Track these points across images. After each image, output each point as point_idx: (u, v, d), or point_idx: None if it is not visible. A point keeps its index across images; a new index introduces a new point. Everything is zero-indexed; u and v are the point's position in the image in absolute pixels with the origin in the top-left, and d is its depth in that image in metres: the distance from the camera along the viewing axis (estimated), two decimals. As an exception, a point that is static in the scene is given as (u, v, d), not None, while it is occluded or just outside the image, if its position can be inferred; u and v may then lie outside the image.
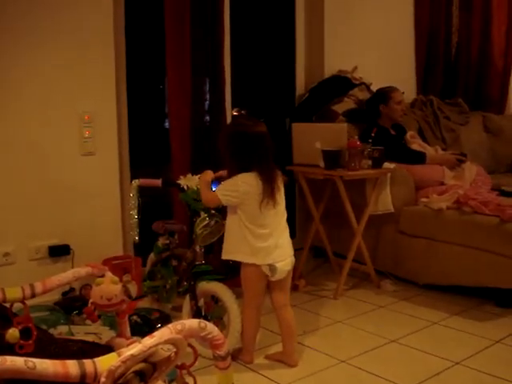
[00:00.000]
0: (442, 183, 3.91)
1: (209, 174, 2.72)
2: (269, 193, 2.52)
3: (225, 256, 2.65)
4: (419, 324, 3.17)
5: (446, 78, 5.54)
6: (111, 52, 3.47)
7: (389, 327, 3.12)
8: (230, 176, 2.58)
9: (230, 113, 4.13)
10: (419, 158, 4.09)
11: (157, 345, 1.09)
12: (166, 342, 1.11)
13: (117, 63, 3.53)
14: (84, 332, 2.65)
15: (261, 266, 2.56)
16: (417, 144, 4.37)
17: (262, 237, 2.55)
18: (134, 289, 1.83)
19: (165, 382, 1.63)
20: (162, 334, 1.10)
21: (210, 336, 1.18)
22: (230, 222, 2.62)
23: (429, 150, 4.30)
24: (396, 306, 3.46)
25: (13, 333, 1.61)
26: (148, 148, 4.09)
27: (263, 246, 2.55)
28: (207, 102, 3.90)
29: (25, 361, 0.99)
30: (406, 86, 4.88)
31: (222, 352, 1.20)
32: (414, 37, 5.25)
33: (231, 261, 2.66)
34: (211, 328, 1.18)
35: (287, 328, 2.69)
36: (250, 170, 2.52)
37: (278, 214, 2.62)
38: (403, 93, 4.28)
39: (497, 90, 5.79)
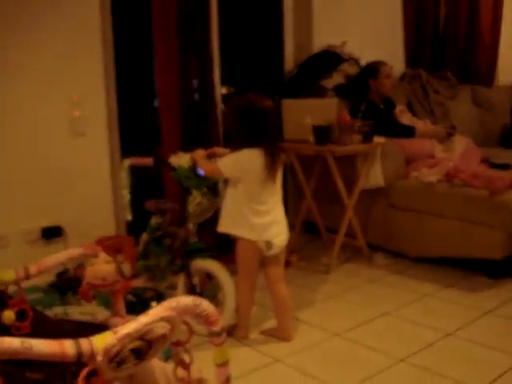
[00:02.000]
0: (432, 157, 3.92)
1: (200, 152, 2.73)
2: (271, 170, 2.53)
3: (221, 229, 2.66)
4: (411, 296, 3.20)
5: (434, 52, 5.54)
6: (98, 31, 3.44)
7: (381, 300, 3.16)
8: (234, 150, 2.58)
9: (219, 90, 4.12)
10: (409, 131, 4.10)
11: (152, 322, 1.10)
12: (161, 319, 1.12)
13: (104, 43, 3.49)
14: (79, 312, 2.66)
15: (257, 241, 2.58)
16: (406, 118, 4.38)
17: (260, 213, 2.56)
18: (127, 268, 1.85)
19: (161, 359, 1.65)
20: (157, 311, 1.11)
21: (204, 313, 1.19)
22: (229, 195, 2.63)
23: (418, 124, 4.31)
24: (388, 279, 3.49)
25: (8, 315, 1.62)
26: (138, 127, 4.07)
27: (261, 222, 2.56)
28: (196, 80, 3.88)
29: (21, 342, 1.00)
30: (395, 59, 4.88)
31: (216, 328, 1.21)
32: (402, 10, 5.22)
33: (226, 235, 2.67)
34: (206, 305, 1.19)
35: (282, 303, 2.71)
36: (255, 146, 2.52)
37: (276, 191, 2.63)
38: (392, 67, 4.28)
39: (485, 62, 5.80)
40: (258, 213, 2.56)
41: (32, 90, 3.24)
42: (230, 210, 2.63)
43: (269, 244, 2.58)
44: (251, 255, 2.63)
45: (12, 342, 0.99)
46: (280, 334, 2.72)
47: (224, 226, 2.65)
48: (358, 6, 4.82)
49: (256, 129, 2.52)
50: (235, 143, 2.59)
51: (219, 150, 2.85)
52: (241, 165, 2.53)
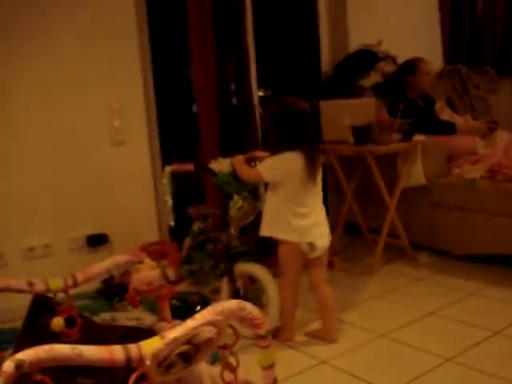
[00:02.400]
0: (474, 153, 3.87)
1: (240, 158, 2.75)
2: (311, 172, 2.53)
3: (264, 233, 2.66)
4: (456, 295, 3.16)
5: (472, 46, 5.45)
6: (135, 40, 3.49)
7: (426, 300, 3.12)
8: (273, 154, 2.59)
9: (257, 94, 4.13)
10: (449, 128, 4.05)
11: (198, 327, 1.11)
12: (207, 323, 1.13)
13: (141, 51, 3.54)
14: (126, 318, 2.70)
15: (300, 243, 2.58)
16: (446, 114, 4.33)
17: (302, 215, 2.56)
18: (172, 273, 1.87)
19: (208, 362, 1.67)
20: (203, 316, 1.13)
21: (249, 316, 1.20)
22: (270, 199, 2.64)
23: (459, 120, 4.25)
24: (433, 279, 3.45)
25: (58, 322, 1.66)
26: (178, 133, 4.11)
27: (303, 225, 2.56)
28: (233, 85, 3.90)
29: (72, 348, 1.02)
30: (433, 56, 4.82)
31: (262, 331, 1.22)
32: (439, 6, 5.16)
33: (268, 239, 2.68)
34: (250, 308, 1.20)
35: (325, 305, 2.71)
36: (294, 149, 2.53)
37: (317, 193, 2.63)
38: (430, 63, 4.23)
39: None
40: (300, 215, 2.56)
41: (73, 101, 3.30)
42: (271, 214, 2.64)
43: (312, 245, 2.58)
44: (294, 257, 2.63)
45: (63, 349, 1.01)
46: (325, 336, 2.71)
47: (266, 230, 2.66)
48: (393, 4, 4.78)
49: (294, 132, 2.52)
50: (274, 147, 2.60)
51: (259, 153, 2.86)
52: (281, 168, 2.53)
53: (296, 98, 2.60)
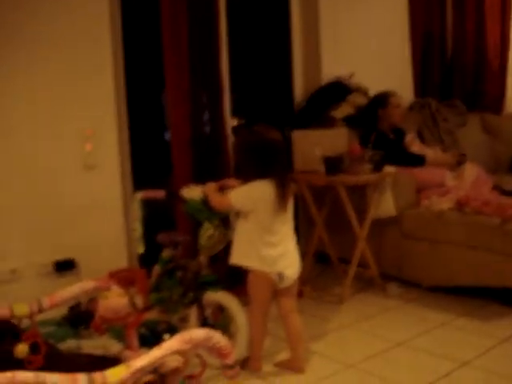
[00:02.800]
0: (443, 185, 3.92)
1: (212, 185, 2.75)
2: (282, 200, 2.54)
3: (233, 260, 2.66)
4: (426, 326, 3.17)
5: (443, 80, 5.58)
6: (110, 66, 3.49)
7: (396, 330, 3.13)
8: (245, 182, 2.60)
9: (230, 122, 4.15)
10: (419, 160, 4.10)
11: (165, 356, 1.10)
12: (175, 352, 1.12)
13: (116, 76, 3.54)
14: (92, 346, 2.66)
15: (269, 273, 2.57)
16: (416, 146, 4.39)
17: (272, 244, 2.56)
18: (140, 301, 1.85)
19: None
20: (170, 344, 1.12)
21: (217, 346, 1.19)
22: (240, 227, 2.64)
23: (428, 152, 4.31)
24: (402, 309, 3.46)
25: (22, 348, 1.63)
26: (150, 160, 4.10)
27: (272, 254, 2.56)
28: (206, 113, 3.92)
29: (35, 375, 1.00)
30: (404, 89, 4.91)
31: (230, 361, 1.21)
32: (410, 39, 5.27)
33: (236, 268, 2.67)
34: (219, 338, 1.19)
35: (295, 334, 2.70)
36: (265, 177, 2.54)
37: (287, 222, 2.64)
38: (401, 97, 4.29)
39: (494, 89, 5.80)
40: (270, 244, 2.56)
41: (43, 125, 3.28)
42: (241, 242, 2.63)
43: (281, 275, 2.58)
44: (263, 287, 2.62)
45: (26, 376, 0.99)
46: (293, 366, 2.70)
47: (236, 258, 2.65)
48: (366, 39, 4.87)
49: (265, 161, 2.54)
50: (245, 176, 2.61)
51: (231, 182, 2.87)
52: (252, 196, 2.54)
53: (266, 127, 2.62)
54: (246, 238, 2.60)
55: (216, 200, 2.69)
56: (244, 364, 2.68)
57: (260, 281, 2.60)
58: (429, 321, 3.24)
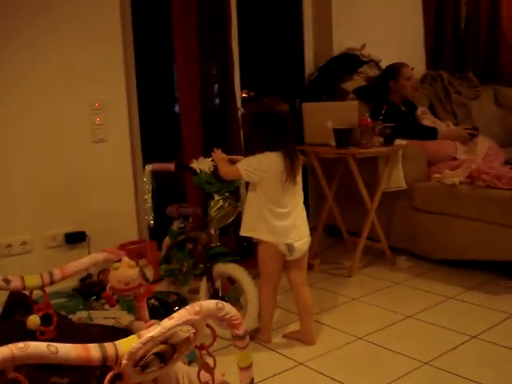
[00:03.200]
0: (455, 158, 3.89)
1: (220, 152, 2.74)
2: (290, 172, 2.53)
3: (243, 232, 2.66)
4: (435, 299, 3.18)
5: (455, 52, 5.51)
6: (119, 38, 3.47)
7: (404, 303, 3.14)
8: (253, 154, 2.59)
9: (240, 95, 4.13)
10: (431, 133, 4.07)
11: (176, 326, 1.10)
12: (185, 323, 1.12)
13: (125, 49, 3.53)
14: (103, 317, 2.68)
15: (278, 244, 2.57)
16: (428, 120, 4.35)
17: (281, 216, 2.56)
18: (150, 272, 1.86)
19: (185, 362, 1.66)
20: (181, 315, 1.12)
21: (227, 316, 1.19)
22: (250, 199, 2.64)
23: (440, 126, 4.28)
24: (411, 282, 3.47)
25: (34, 319, 1.64)
26: (159, 133, 4.10)
27: (282, 225, 2.56)
28: (216, 85, 3.89)
29: (47, 345, 1.00)
30: (416, 61, 4.84)
31: (240, 331, 1.22)
32: (422, 11, 5.20)
33: (248, 240, 2.68)
34: (229, 308, 1.19)
35: (304, 307, 2.71)
36: (274, 149, 2.53)
37: (297, 194, 2.63)
38: (413, 68, 4.25)
39: (507, 62, 5.73)
40: (279, 215, 2.56)
41: (53, 98, 3.27)
42: (250, 214, 2.64)
43: (290, 247, 2.58)
44: (273, 259, 2.62)
45: (38, 346, 0.99)
46: (303, 338, 2.71)
47: (246, 230, 2.66)
48: (378, 9, 4.80)
49: (273, 133, 2.52)
50: (254, 148, 2.60)
51: (237, 157, 2.84)
52: (260, 167, 2.53)
53: (275, 99, 2.60)
54: (255, 210, 2.60)
55: (225, 170, 2.68)
56: (254, 335, 2.70)
57: (269, 252, 2.61)
58: (437, 294, 3.24)
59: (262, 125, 2.55)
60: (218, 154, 2.76)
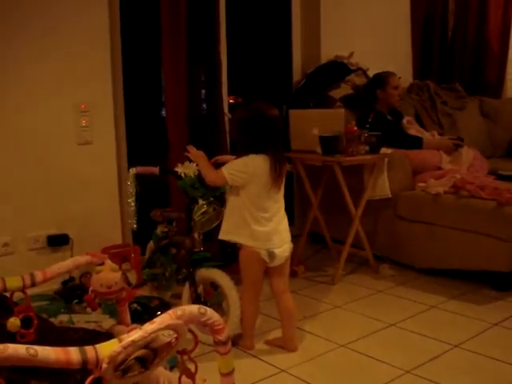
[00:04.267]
0: (440, 168, 3.91)
1: (195, 149, 2.71)
2: (275, 177, 2.53)
3: (222, 236, 2.64)
4: (417, 308, 3.18)
5: (442, 63, 5.55)
6: (107, 41, 3.46)
7: (387, 311, 3.14)
8: (240, 157, 2.58)
9: (227, 101, 4.13)
10: (416, 142, 4.09)
11: (157, 330, 1.09)
12: (167, 327, 1.11)
13: (112, 52, 3.52)
14: (84, 320, 2.66)
15: (259, 250, 2.56)
16: (414, 129, 4.38)
17: (262, 221, 2.55)
18: (133, 276, 1.85)
19: (166, 368, 1.65)
20: (163, 319, 1.11)
21: (210, 321, 1.19)
22: (232, 202, 2.62)
23: (426, 135, 4.31)
24: (394, 291, 3.47)
25: (14, 322, 1.62)
26: (145, 136, 4.08)
27: (263, 231, 2.55)
28: (203, 91, 3.89)
29: (26, 348, 0.99)
30: (403, 70, 4.87)
31: (222, 337, 1.21)
32: (411, 21, 5.24)
33: (231, 245, 2.67)
34: (211, 313, 1.19)
35: (287, 313, 2.70)
36: (262, 153, 2.52)
37: (279, 200, 2.62)
38: (400, 78, 4.28)
39: (494, 74, 5.79)
40: (261, 220, 2.55)
41: (39, 100, 3.26)
42: (231, 218, 2.62)
43: (271, 253, 2.57)
44: (254, 265, 2.61)
45: (17, 349, 0.98)
46: (285, 345, 2.71)
47: (225, 234, 2.64)
48: (366, 17, 4.83)
49: (262, 136, 2.52)
50: (242, 151, 2.59)
51: (226, 157, 2.84)
52: (246, 170, 2.51)
53: (265, 104, 2.60)
54: (236, 214, 2.58)
55: (210, 176, 2.64)
56: (236, 341, 2.69)
57: (250, 258, 2.60)
58: (420, 303, 3.25)
59: (253, 128, 2.54)
60: (193, 151, 2.71)
